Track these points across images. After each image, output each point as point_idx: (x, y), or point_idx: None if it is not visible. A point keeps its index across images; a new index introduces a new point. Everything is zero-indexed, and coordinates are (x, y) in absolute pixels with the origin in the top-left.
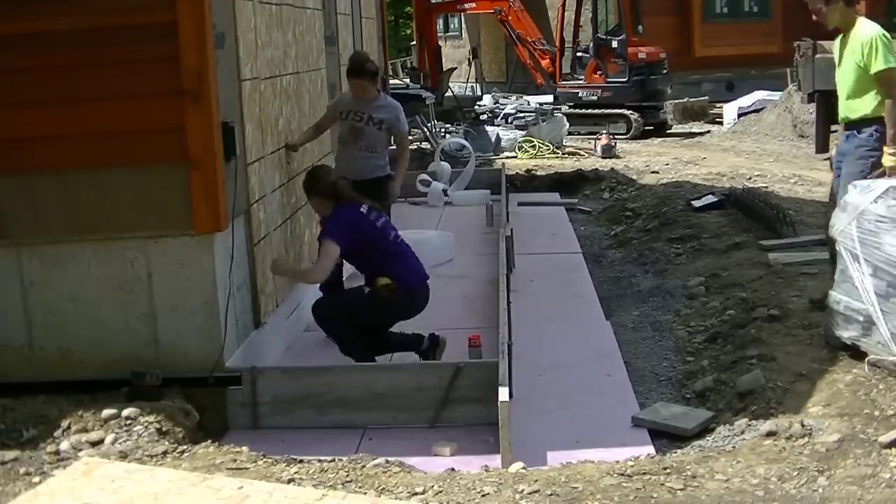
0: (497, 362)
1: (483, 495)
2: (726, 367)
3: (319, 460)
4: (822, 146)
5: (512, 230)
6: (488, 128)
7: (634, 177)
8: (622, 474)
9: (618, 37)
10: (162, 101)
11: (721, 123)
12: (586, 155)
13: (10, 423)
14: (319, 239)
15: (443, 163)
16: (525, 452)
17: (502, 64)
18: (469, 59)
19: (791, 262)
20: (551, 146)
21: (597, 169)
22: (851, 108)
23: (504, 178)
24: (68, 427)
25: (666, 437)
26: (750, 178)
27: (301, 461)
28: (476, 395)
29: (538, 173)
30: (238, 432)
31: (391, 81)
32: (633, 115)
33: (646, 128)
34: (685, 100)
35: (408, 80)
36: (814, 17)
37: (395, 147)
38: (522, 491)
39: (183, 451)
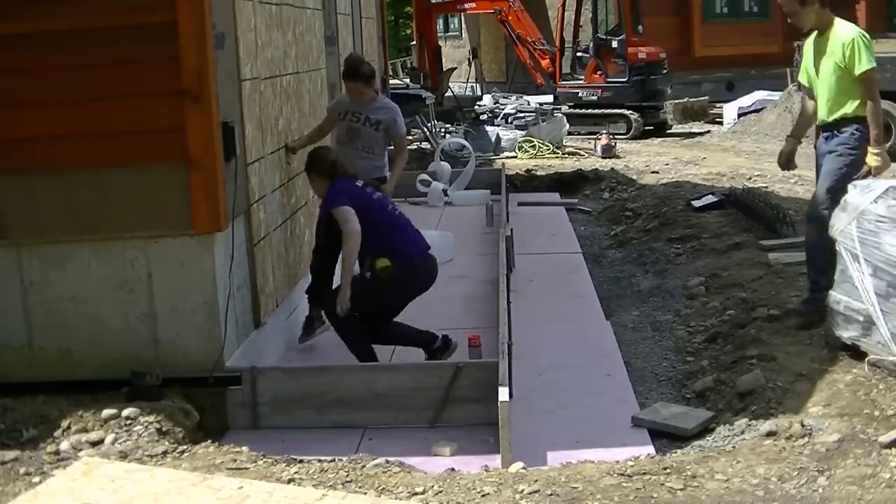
0: (497, 362)
1: (483, 495)
2: (726, 367)
3: (319, 460)
4: None
5: (512, 230)
6: (488, 128)
7: (634, 177)
8: (622, 474)
9: (618, 37)
10: (162, 101)
11: (721, 123)
12: (586, 155)
13: (10, 423)
14: (328, 211)
15: (443, 163)
16: (525, 452)
17: (502, 64)
18: (469, 59)
19: (791, 262)
20: (551, 146)
21: (597, 169)
22: (832, 109)
23: (504, 178)
24: (68, 427)
25: (666, 437)
26: (750, 178)
27: (301, 461)
28: (476, 395)
29: (538, 173)
30: (238, 432)
31: (391, 81)
32: (633, 115)
33: (646, 128)
34: (685, 100)
35: (408, 80)
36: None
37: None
38: (522, 491)
39: (183, 451)
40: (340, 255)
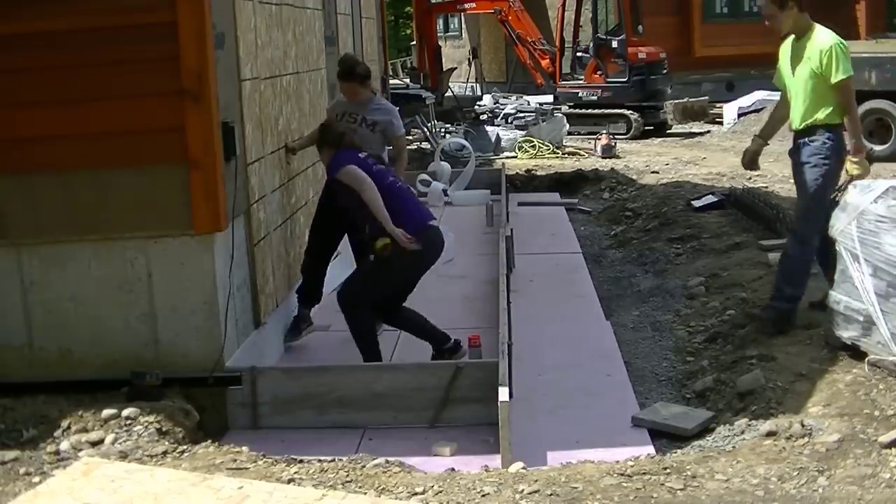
0: (497, 362)
1: (483, 495)
2: (726, 367)
3: (319, 460)
4: None
5: (512, 230)
6: (488, 128)
7: (634, 177)
8: (622, 474)
9: (618, 37)
10: (162, 101)
11: (721, 123)
12: (586, 155)
13: (10, 423)
14: (336, 173)
15: (443, 163)
16: (525, 452)
17: (502, 64)
18: (469, 59)
19: None
20: (551, 146)
21: (597, 169)
22: (804, 115)
23: (504, 178)
24: (68, 427)
25: (666, 437)
26: (750, 179)
27: (301, 461)
28: (476, 395)
29: (538, 173)
30: (238, 432)
31: (391, 81)
32: (633, 115)
33: (646, 128)
34: (685, 100)
35: (408, 80)
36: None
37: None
38: (522, 491)
39: (183, 451)
40: (334, 260)
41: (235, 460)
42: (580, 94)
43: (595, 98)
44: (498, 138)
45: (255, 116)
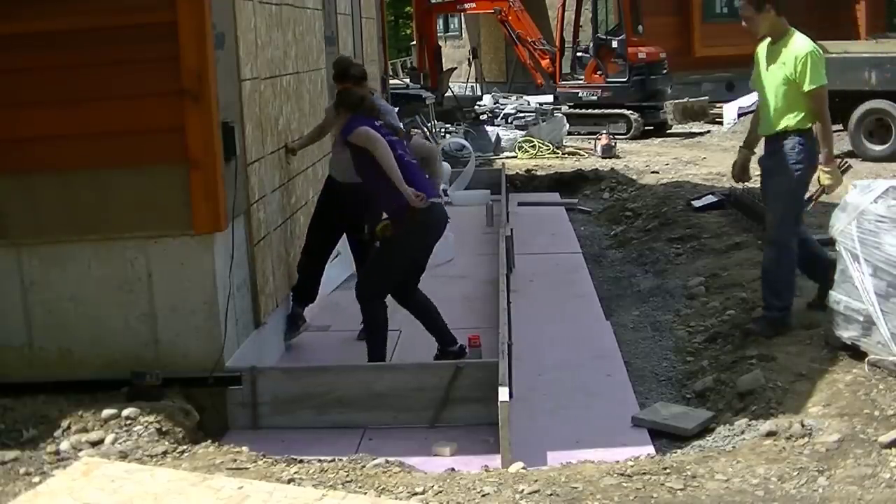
0: (497, 362)
1: (483, 495)
2: (726, 367)
3: (319, 460)
4: None
5: (512, 230)
6: (488, 128)
7: (634, 177)
8: (622, 474)
9: (618, 37)
10: (162, 101)
11: (721, 123)
12: (586, 155)
13: (10, 423)
14: (349, 135)
15: (443, 163)
16: (525, 452)
17: (502, 64)
18: (469, 59)
19: None
20: (551, 146)
21: (597, 169)
22: (775, 120)
23: (504, 178)
24: (68, 427)
25: (666, 437)
26: (750, 178)
27: (301, 461)
28: (476, 395)
29: (538, 173)
30: (238, 432)
31: (391, 81)
32: (633, 115)
33: (646, 128)
34: (685, 100)
35: (408, 80)
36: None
37: None
38: (522, 491)
39: (183, 451)
40: (334, 254)
41: (235, 460)
42: (580, 94)
43: (595, 98)
44: (498, 138)
45: (255, 116)
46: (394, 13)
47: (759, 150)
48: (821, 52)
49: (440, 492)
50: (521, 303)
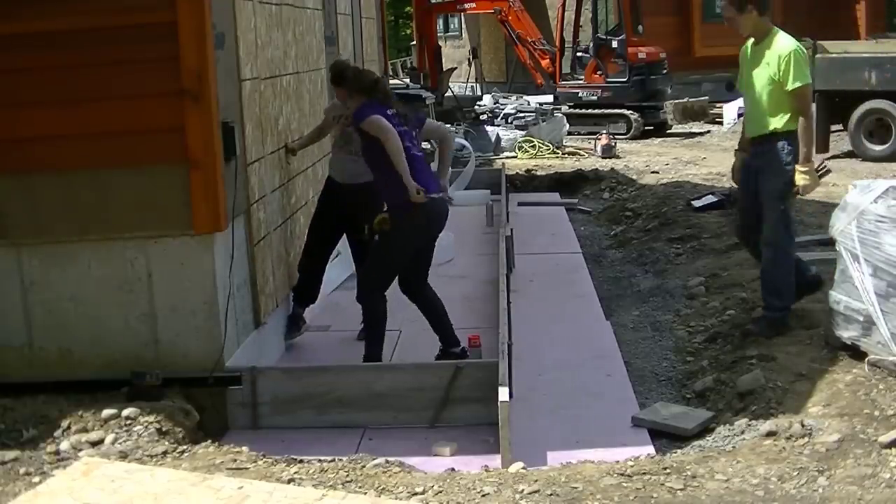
0: (497, 362)
1: (483, 495)
2: (726, 367)
3: (319, 460)
4: (823, 146)
5: (512, 230)
6: (488, 128)
7: (634, 177)
8: (622, 474)
9: (618, 37)
10: (162, 101)
11: (721, 123)
12: (586, 155)
13: (10, 423)
14: (361, 122)
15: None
16: (525, 452)
17: (502, 64)
18: (469, 59)
19: None
20: (551, 146)
21: (597, 169)
22: (763, 123)
23: (504, 178)
24: (68, 427)
25: (666, 437)
26: None
27: (301, 461)
28: (476, 395)
29: (538, 173)
30: (238, 432)
31: (391, 81)
32: (633, 115)
33: (646, 128)
34: (685, 100)
35: (408, 80)
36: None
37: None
38: (522, 491)
39: (183, 451)
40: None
41: (235, 460)
42: (580, 94)
43: (595, 98)
44: (498, 138)
45: (255, 116)
46: (394, 13)
47: None
48: (805, 50)
49: (440, 492)
50: (521, 303)
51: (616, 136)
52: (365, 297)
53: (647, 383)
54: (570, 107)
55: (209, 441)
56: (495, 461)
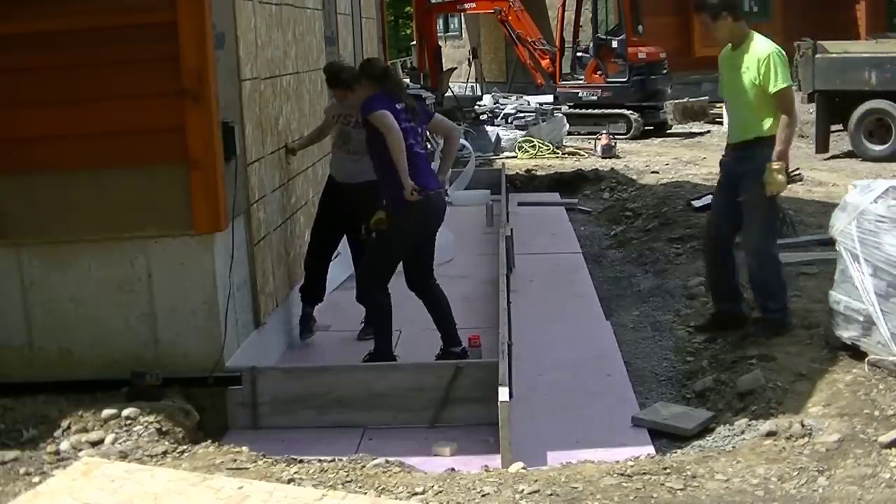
0: (497, 362)
1: (483, 495)
2: (726, 367)
3: (319, 460)
4: (823, 146)
5: (512, 230)
6: (488, 128)
7: (634, 177)
8: (622, 474)
9: (618, 37)
10: (162, 101)
11: (721, 123)
12: (586, 155)
13: (10, 423)
14: (368, 114)
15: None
16: (525, 452)
17: (502, 64)
18: (469, 59)
19: (791, 262)
20: (551, 146)
21: (597, 169)
22: (746, 127)
23: (504, 178)
24: (68, 427)
25: (666, 437)
26: None
27: (301, 461)
28: (476, 395)
29: (538, 173)
30: (238, 432)
31: None
32: (633, 115)
33: (646, 128)
34: (685, 100)
35: (408, 80)
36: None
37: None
38: (522, 491)
39: (183, 451)
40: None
41: (235, 460)
42: (580, 94)
43: (595, 98)
44: (498, 138)
45: (255, 116)
46: (394, 13)
47: None
48: (783, 53)
49: (440, 492)
50: (521, 303)
51: (616, 136)
52: (365, 294)
53: (647, 383)
54: (570, 107)
55: (209, 441)
56: (495, 461)
